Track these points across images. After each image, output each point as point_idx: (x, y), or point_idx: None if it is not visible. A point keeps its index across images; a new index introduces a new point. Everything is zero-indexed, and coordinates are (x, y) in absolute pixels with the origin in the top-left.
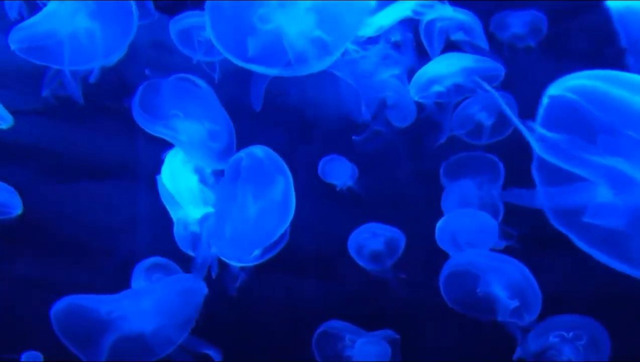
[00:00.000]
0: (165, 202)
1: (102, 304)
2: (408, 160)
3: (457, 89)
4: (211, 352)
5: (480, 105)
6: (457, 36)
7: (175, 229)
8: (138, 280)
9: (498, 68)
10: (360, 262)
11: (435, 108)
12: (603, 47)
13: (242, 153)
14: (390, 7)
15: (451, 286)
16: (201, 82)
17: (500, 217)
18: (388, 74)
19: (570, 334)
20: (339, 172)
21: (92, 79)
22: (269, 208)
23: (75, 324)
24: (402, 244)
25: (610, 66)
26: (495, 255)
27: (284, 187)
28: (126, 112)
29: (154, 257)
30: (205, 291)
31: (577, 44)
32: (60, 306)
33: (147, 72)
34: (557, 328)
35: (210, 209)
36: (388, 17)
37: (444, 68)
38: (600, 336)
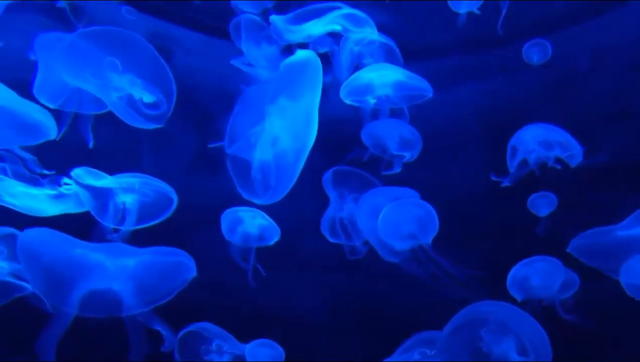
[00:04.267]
0: None
1: (76, 245)
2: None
3: (387, 99)
4: (165, 334)
5: (390, 132)
6: (368, 62)
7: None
8: None
9: (427, 89)
10: (226, 234)
11: (368, 114)
12: None
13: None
14: (322, 18)
15: (460, 333)
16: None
17: None
18: None
19: (434, 351)
20: None
21: None
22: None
23: (45, 255)
24: (275, 237)
25: None
26: (521, 312)
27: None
28: None
29: (7, 228)
30: (194, 273)
31: None
32: (30, 233)
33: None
34: (421, 345)
35: None
36: (317, 27)
37: (377, 78)
38: None
